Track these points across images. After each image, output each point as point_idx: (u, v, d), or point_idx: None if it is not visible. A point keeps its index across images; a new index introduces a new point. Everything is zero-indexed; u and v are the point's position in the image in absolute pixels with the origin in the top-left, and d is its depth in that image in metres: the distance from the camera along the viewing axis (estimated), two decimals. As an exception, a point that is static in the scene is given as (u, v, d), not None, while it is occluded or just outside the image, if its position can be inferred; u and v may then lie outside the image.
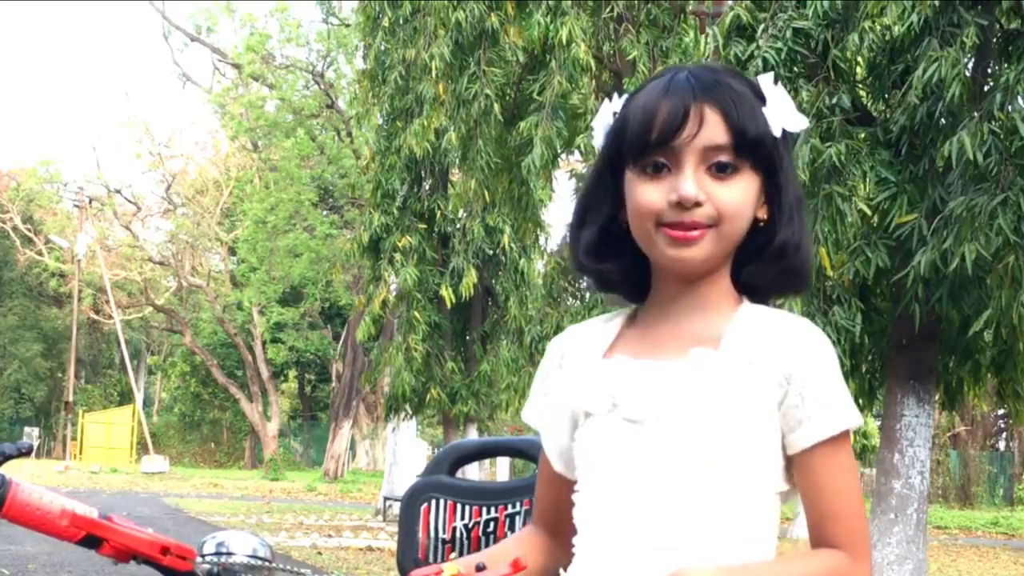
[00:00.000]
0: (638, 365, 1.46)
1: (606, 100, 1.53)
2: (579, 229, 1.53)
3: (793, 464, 1.42)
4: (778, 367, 1.39)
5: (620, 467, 1.44)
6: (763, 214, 1.45)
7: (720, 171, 1.40)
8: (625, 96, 1.50)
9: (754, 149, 1.41)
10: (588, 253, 1.51)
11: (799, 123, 1.46)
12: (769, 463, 1.41)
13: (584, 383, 1.50)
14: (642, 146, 1.42)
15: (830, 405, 1.39)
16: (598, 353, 1.52)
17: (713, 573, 1.33)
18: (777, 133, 1.44)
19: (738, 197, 1.41)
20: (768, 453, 1.41)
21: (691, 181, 1.39)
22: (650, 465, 1.41)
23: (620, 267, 1.51)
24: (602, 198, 1.50)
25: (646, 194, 1.41)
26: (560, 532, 1.56)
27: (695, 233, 1.39)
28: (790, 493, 1.45)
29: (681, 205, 1.39)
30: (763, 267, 1.47)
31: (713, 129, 1.40)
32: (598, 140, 1.52)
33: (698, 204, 1.39)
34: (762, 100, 1.45)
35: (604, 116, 1.51)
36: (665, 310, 1.48)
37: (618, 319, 1.55)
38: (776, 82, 1.47)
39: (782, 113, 1.45)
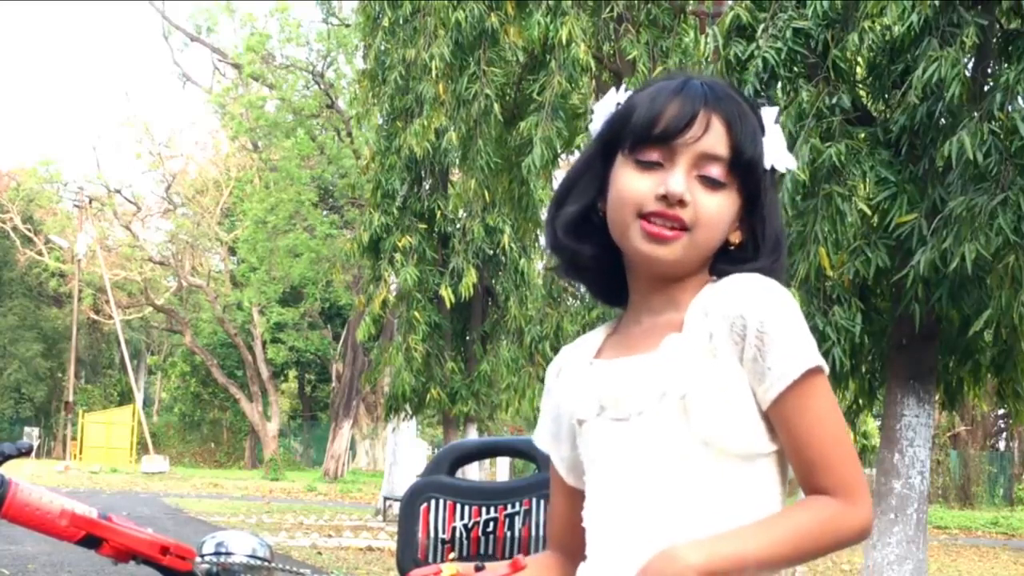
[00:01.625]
0: (615, 365, 1.48)
1: (612, 89, 1.54)
2: (559, 207, 1.54)
3: (771, 419, 1.41)
4: (731, 325, 1.40)
5: (616, 467, 1.46)
6: (736, 238, 1.48)
7: (708, 182, 1.43)
8: (632, 90, 1.52)
9: (746, 170, 1.44)
10: (567, 231, 1.52)
11: (788, 163, 1.49)
12: (752, 425, 1.41)
13: (573, 391, 1.53)
14: (644, 138, 1.44)
15: (788, 350, 1.38)
16: (586, 361, 1.55)
17: (693, 549, 1.34)
18: (767, 166, 1.47)
19: (719, 209, 1.43)
20: (748, 415, 1.41)
21: (681, 178, 1.41)
22: (643, 459, 1.43)
23: (594, 253, 1.52)
24: (589, 182, 1.51)
25: (634, 183, 1.43)
26: (575, 551, 1.56)
27: (670, 233, 1.41)
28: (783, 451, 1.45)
29: (666, 199, 1.41)
30: None
31: (715, 138, 1.42)
32: (596, 125, 1.53)
33: (682, 203, 1.41)
34: (762, 130, 1.47)
35: (608, 104, 1.53)
36: (639, 312, 1.51)
37: (604, 328, 1.58)
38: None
39: (775, 149, 1.48)
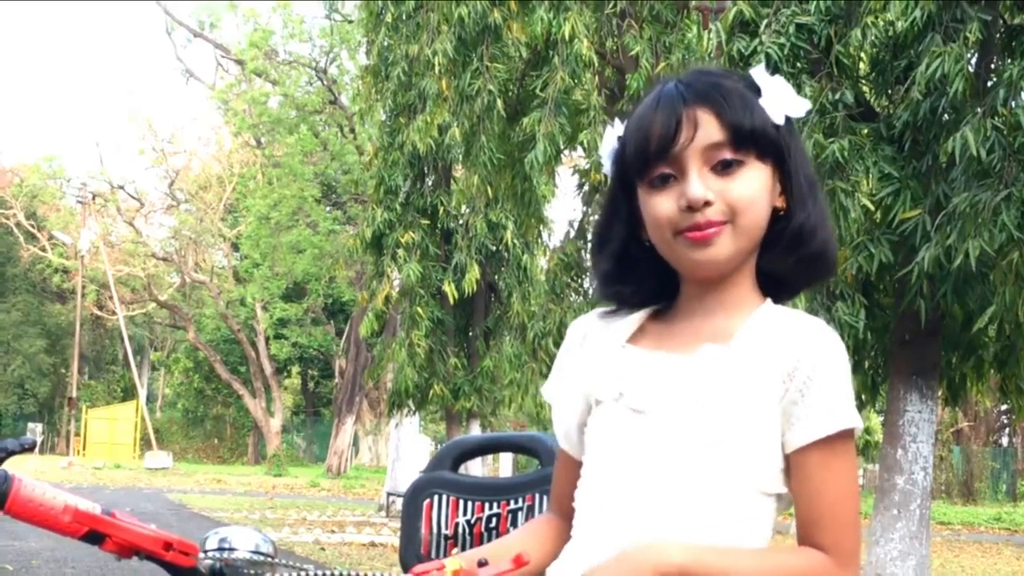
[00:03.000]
0: (648, 356, 1.48)
1: (609, 127, 1.55)
2: (600, 255, 1.56)
3: (789, 464, 1.42)
4: (782, 363, 1.39)
5: (620, 455, 1.46)
6: (781, 203, 1.47)
7: (724, 168, 1.42)
8: (625, 122, 1.53)
9: (755, 140, 1.42)
10: (613, 279, 1.55)
11: (800, 107, 1.47)
12: (768, 462, 1.41)
13: (598, 370, 1.52)
14: (644, 161, 1.44)
15: (829, 405, 1.38)
16: (618, 342, 1.54)
17: (680, 549, 1.34)
18: (779, 121, 1.45)
19: (747, 190, 1.42)
20: (767, 451, 1.41)
21: (696, 182, 1.41)
22: (649, 454, 1.43)
23: (642, 288, 1.54)
24: (619, 222, 1.53)
25: (658, 205, 1.43)
26: (572, 516, 1.56)
27: (711, 231, 1.40)
28: (787, 497, 1.44)
29: (692, 208, 1.40)
30: (781, 254, 1.48)
31: (708, 129, 1.41)
32: (607, 167, 1.54)
33: (708, 204, 1.40)
34: (757, 93, 1.46)
35: (609, 142, 1.54)
36: (688, 309, 1.51)
37: (643, 311, 1.57)
38: (772, 72, 1.48)
39: (781, 100, 1.46)
